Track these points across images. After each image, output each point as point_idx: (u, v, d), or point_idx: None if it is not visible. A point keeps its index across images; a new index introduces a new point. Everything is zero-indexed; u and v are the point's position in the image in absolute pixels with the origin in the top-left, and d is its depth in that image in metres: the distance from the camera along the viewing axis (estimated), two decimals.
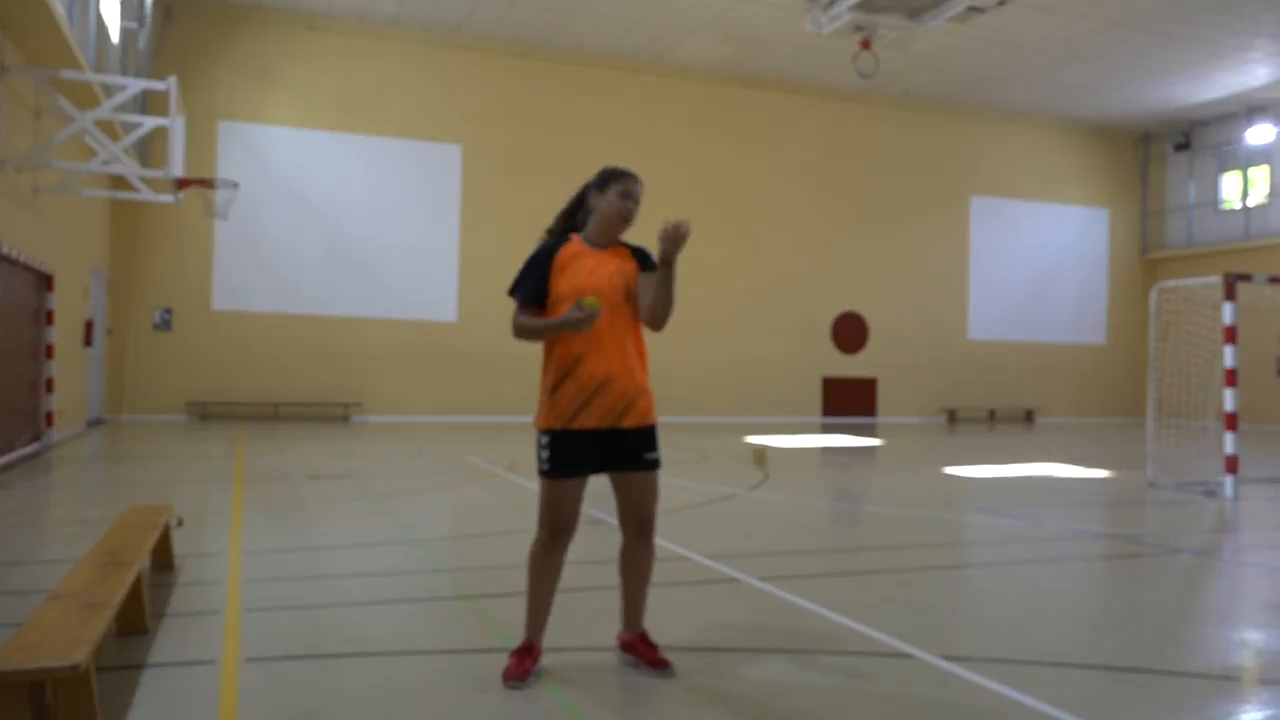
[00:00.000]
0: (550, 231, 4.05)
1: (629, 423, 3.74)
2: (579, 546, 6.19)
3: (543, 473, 3.79)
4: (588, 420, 3.71)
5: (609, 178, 3.89)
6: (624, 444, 3.76)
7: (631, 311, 3.85)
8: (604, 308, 3.68)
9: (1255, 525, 8.50)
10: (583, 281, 3.75)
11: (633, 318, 3.85)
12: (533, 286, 3.81)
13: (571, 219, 4.01)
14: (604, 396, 3.71)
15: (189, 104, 17.04)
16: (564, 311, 3.66)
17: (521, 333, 3.81)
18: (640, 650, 3.87)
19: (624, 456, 3.77)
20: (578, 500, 3.81)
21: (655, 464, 3.82)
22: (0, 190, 10.80)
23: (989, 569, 6.51)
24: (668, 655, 3.87)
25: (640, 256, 3.91)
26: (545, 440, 3.77)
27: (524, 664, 3.72)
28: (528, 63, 21.58)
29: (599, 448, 3.75)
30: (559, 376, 3.75)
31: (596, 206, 3.89)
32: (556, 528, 3.79)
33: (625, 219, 3.86)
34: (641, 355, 3.88)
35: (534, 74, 21.62)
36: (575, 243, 3.90)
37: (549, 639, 4.22)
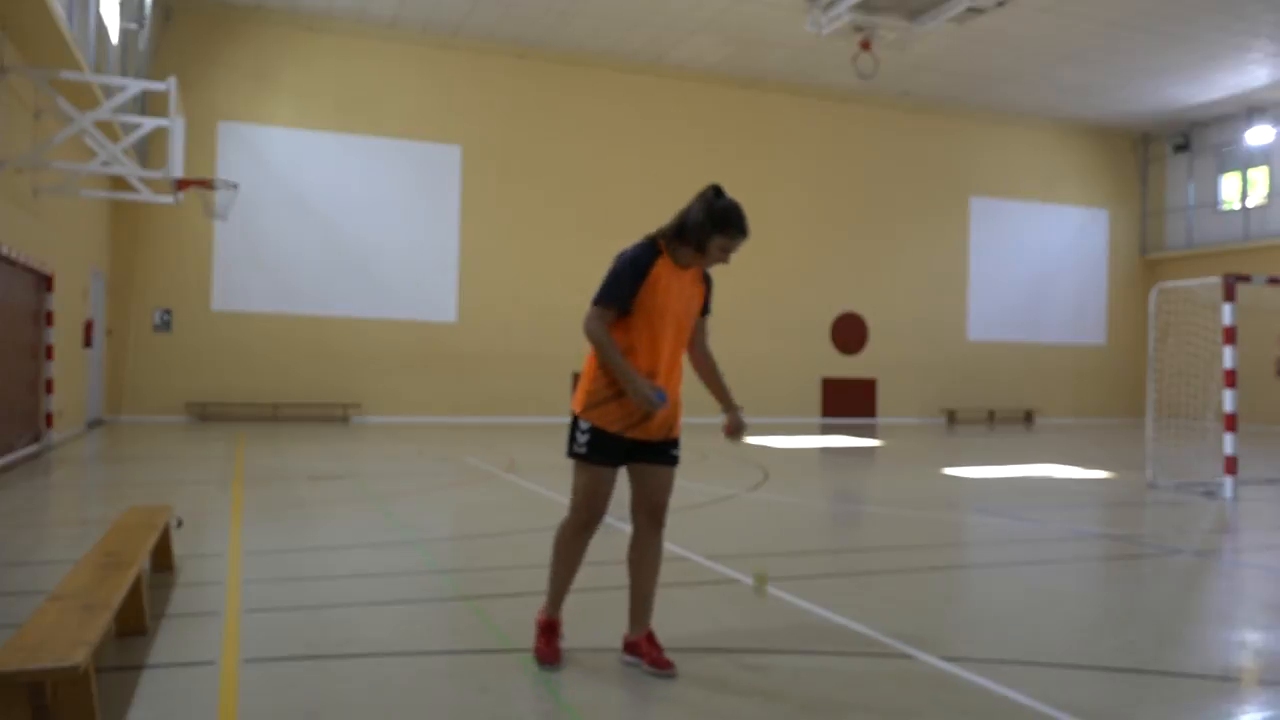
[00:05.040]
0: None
1: (672, 435, 3.95)
2: None
3: (580, 457, 3.83)
4: (642, 434, 3.83)
5: (721, 222, 3.70)
6: (653, 444, 3.90)
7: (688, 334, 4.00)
8: (671, 335, 3.81)
9: (1255, 526, 8.50)
10: (666, 304, 3.76)
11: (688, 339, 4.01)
12: (626, 296, 3.70)
13: (681, 231, 3.79)
14: (662, 415, 3.84)
15: (189, 105, 17.04)
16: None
17: (595, 341, 3.70)
18: (643, 649, 3.89)
19: (650, 452, 3.89)
20: (613, 487, 3.92)
21: (676, 460, 3.98)
22: (0, 191, 10.80)
23: (989, 569, 6.51)
24: (670, 657, 3.87)
25: (708, 288, 4.01)
26: (585, 426, 3.81)
27: (553, 643, 3.93)
28: (527, 63, 21.57)
29: (630, 444, 3.88)
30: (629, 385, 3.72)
31: (702, 241, 3.73)
32: (593, 513, 3.90)
33: (712, 264, 3.90)
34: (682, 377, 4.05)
35: (534, 74, 21.62)
36: (665, 258, 3.79)
37: None
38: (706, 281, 4.00)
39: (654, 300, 3.72)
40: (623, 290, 3.70)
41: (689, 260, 3.82)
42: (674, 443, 3.96)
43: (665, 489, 3.96)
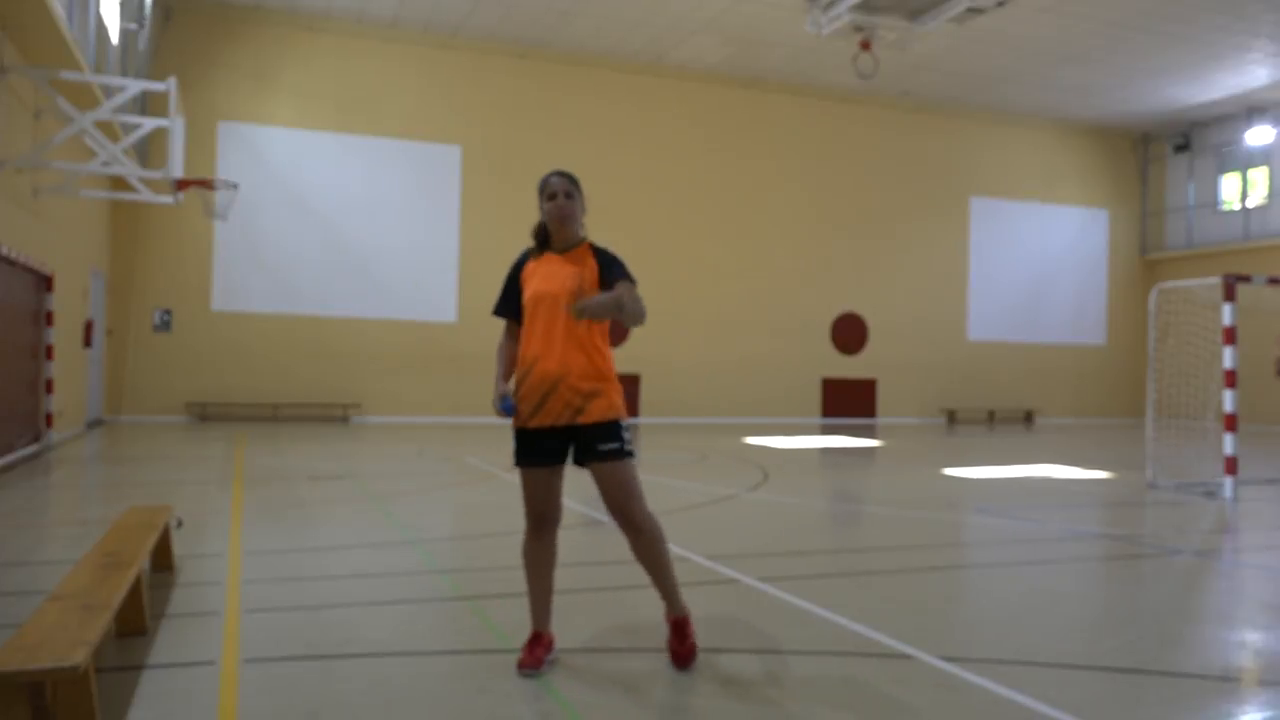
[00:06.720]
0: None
1: (585, 419, 3.84)
2: (577, 547, 6.22)
3: (515, 464, 3.99)
4: (544, 419, 3.86)
5: (538, 190, 4.05)
6: (584, 438, 3.87)
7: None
8: (544, 316, 3.87)
9: (1255, 526, 8.50)
10: (538, 288, 3.92)
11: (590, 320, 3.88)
12: (503, 303, 4.09)
13: (544, 233, 4.11)
14: (557, 396, 3.84)
15: (188, 105, 17.04)
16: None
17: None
18: (669, 638, 3.95)
19: (585, 450, 3.88)
20: (550, 489, 3.94)
21: (614, 454, 3.85)
22: (0, 191, 10.80)
23: (989, 570, 6.51)
24: (692, 649, 3.89)
25: (604, 263, 3.97)
26: (513, 435, 3.99)
27: (535, 652, 3.86)
28: (528, 63, 21.58)
29: (560, 442, 3.90)
30: (520, 378, 3.95)
31: (541, 207, 4.07)
32: (534, 515, 3.97)
33: (560, 218, 3.97)
34: (602, 354, 3.93)
35: (534, 75, 21.62)
36: (542, 256, 4.06)
37: None
38: (602, 260, 3.97)
39: (528, 295, 3.96)
40: (500, 301, 4.10)
41: (558, 236, 3.99)
42: (604, 435, 3.83)
43: (616, 489, 3.84)
